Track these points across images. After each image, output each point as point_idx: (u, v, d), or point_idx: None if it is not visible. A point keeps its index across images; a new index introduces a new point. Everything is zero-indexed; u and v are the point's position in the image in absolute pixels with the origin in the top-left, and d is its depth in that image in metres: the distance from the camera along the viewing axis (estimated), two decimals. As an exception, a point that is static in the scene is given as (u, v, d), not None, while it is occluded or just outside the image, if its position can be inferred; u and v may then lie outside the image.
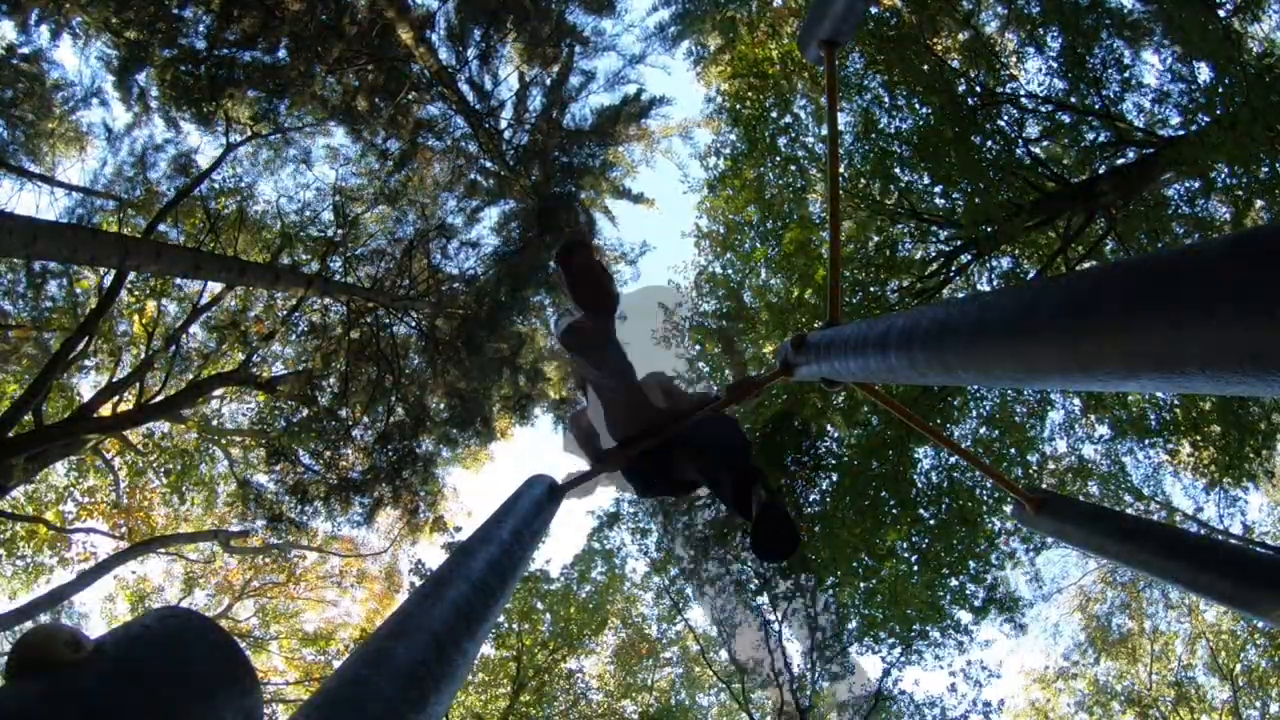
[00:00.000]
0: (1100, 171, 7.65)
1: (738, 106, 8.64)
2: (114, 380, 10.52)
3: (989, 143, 7.19)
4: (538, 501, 2.28)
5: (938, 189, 7.73)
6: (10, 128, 8.88)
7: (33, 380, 8.50)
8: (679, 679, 15.84)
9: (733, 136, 9.04)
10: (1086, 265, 6.94)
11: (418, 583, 10.74)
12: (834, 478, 8.55)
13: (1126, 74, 7.35)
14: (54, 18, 8.19)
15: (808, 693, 11.74)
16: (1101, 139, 7.65)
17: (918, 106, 7.45)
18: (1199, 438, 8.11)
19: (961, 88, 7.35)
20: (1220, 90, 6.18)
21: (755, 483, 2.54)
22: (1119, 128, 7.30)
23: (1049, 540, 8.56)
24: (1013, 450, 8.39)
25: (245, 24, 7.76)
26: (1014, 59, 8.76)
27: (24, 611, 10.13)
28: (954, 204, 7.77)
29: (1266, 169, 6.00)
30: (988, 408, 8.60)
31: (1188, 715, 15.14)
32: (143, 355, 10.76)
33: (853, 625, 9.83)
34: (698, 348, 9.78)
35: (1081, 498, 9.43)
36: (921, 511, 8.25)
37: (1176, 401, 8.20)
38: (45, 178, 9.49)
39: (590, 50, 9.34)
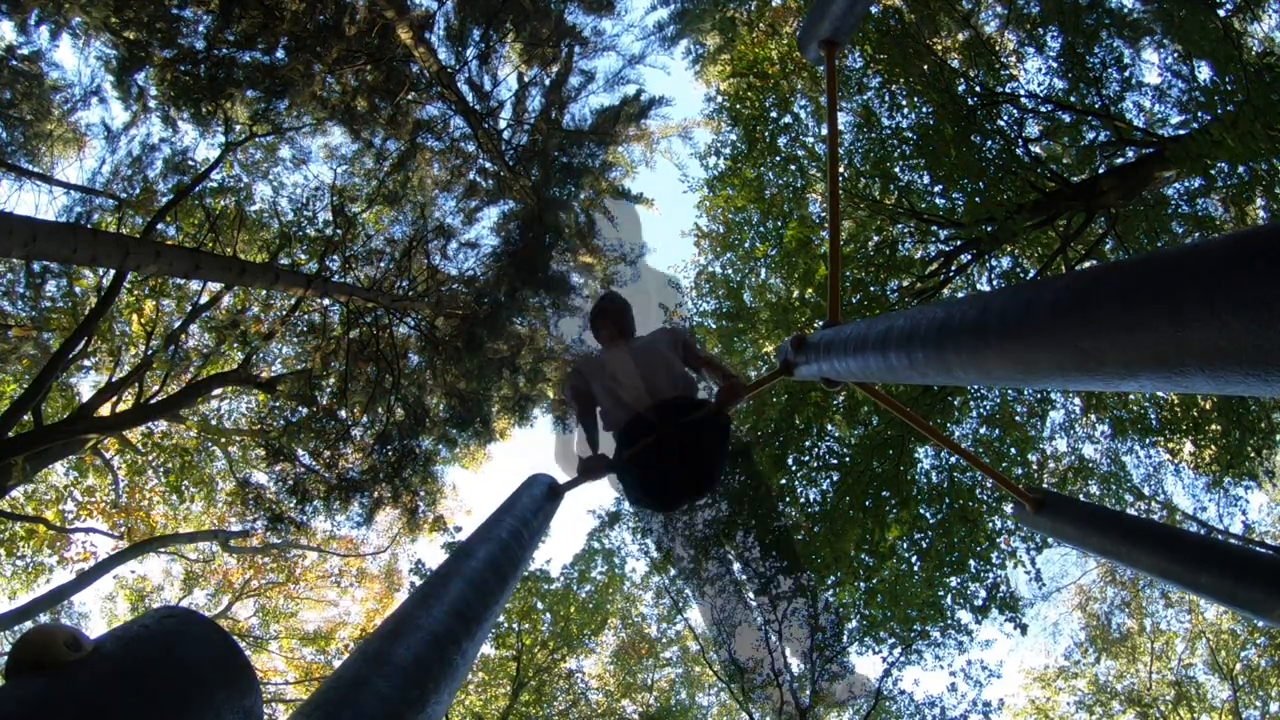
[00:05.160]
0: (1100, 171, 7.65)
1: (737, 106, 8.63)
2: (113, 380, 10.52)
3: (989, 142, 7.18)
4: (537, 500, 2.29)
5: (938, 189, 7.72)
6: (9, 128, 8.88)
7: (33, 380, 8.49)
8: (679, 679, 15.85)
9: (732, 136, 9.03)
10: (1086, 265, 6.93)
11: (418, 582, 10.74)
12: (834, 478, 8.54)
13: (1126, 73, 7.34)
14: (54, 18, 8.17)
15: (808, 693, 11.73)
16: (1101, 139, 7.64)
17: (918, 104, 7.45)
18: (1200, 436, 8.11)
19: (961, 87, 7.34)
20: (1221, 89, 6.17)
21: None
22: (1119, 127, 7.29)
23: (1050, 539, 8.56)
24: (1013, 450, 8.38)
25: (245, 24, 7.76)
26: (1014, 59, 8.76)
27: (24, 611, 10.13)
28: (954, 204, 7.77)
29: (1265, 166, 6.00)
30: (988, 408, 8.59)
31: (1188, 714, 15.14)
32: (142, 355, 10.76)
33: (853, 625, 9.83)
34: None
35: (1082, 497, 9.43)
36: (922, 511, 8.25)
37: (1177, 400, 8.20)
38: (44, 177, 9.49)
39: (590, 50, 9.32)
